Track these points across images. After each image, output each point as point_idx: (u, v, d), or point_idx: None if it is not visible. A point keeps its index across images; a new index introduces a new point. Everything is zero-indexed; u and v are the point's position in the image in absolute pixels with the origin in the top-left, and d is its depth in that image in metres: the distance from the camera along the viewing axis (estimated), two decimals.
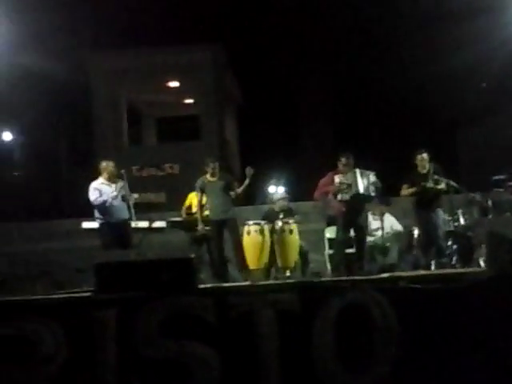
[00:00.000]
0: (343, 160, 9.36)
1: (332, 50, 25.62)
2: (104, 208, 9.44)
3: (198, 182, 10.00)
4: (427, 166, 9.92)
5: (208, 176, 10.00)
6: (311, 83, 26.66)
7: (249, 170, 9.91)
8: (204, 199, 9.96)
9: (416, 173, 9.99)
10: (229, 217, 9.86)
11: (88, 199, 9.57)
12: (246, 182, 9.88)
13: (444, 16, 19.21)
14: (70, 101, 22.40)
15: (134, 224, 9.55)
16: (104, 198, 9.42)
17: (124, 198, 9.55)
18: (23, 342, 4.55)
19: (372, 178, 9.30)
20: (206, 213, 10.19)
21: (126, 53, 23.15)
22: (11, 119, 21.72)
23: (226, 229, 9.86)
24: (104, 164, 9.75)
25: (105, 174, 9.65)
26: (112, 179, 9.65)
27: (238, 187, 10.01)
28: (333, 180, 9.25)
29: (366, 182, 9.24)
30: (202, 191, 9.96)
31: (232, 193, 9.86)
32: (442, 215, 10.00)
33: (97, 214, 9.53)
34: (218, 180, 9.97)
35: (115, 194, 9.45)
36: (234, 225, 9.92)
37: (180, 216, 10.76)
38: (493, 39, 16.73)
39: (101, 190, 9.52)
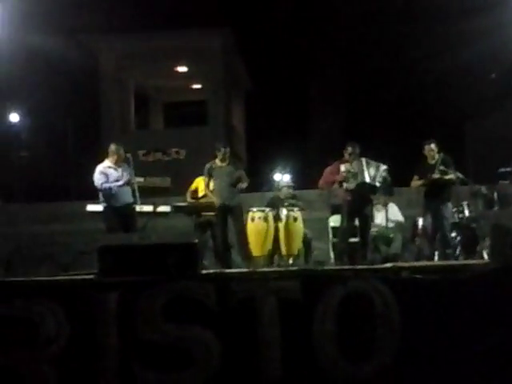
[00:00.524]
0: (349, 149, 9.35)
1: (344, 39, 25.52)
2: (109, 192, 9.42)
3: (207, 166, 9.90)
4: (436, 156, 9.89)
5: (217, 161, 9.90)
6: (322, 71, 26.58)
7: (240, 185, 9.80)
8: (211, 184, 9.91)
9: (425, 164, 9.96)
10: (234, 203, 9.76)
11: (93, 182, 9.56)
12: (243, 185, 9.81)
13: (455, 10, 19.13)
14: (78, 83, 22.40)
15: (138, 208, 9.54)
16: (109, 184, 9.40)
17: (129, 183, 9.53)
18: (26, 323, 4.56)
19: (383, 172, 9.28)
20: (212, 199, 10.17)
21: (136, 37, 23.14)
22: (19, 101, 21.73)
23: (230, 215, 9.77)
24: (113, 147, 9.67)
25: (112, 158, 9.60)
26: (119, 163, 9.62)
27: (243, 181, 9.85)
28: (338, 169, 9.24)
29: (372, 171, 9.22)
30: (210, 175, 9.86)
31: (239, 185, 9.73)
32: (450, 208, 9.97)
33: (101, 197, 9.52)
34: (226, 166, 9.85)
35: (121, 183, 9.43)
36: (239, 212, 9.83)
37: (185, 200, 10.74)
38: (503, 33, 16.66)
39: (107, 173, 9.48)
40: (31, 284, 4.85)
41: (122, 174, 9.53)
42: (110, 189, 9.38)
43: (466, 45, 18.89)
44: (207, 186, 9.93)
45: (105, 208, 9.49)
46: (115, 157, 9.60)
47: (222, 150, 9.87)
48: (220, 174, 9.80)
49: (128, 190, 9.51)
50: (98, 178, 9.45)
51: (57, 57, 19.54)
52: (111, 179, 9.45)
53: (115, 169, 9.55)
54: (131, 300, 4.55)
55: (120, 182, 9.43)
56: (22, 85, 19.12)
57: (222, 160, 9.86)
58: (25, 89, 19.92)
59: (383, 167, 9.33)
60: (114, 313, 4.55)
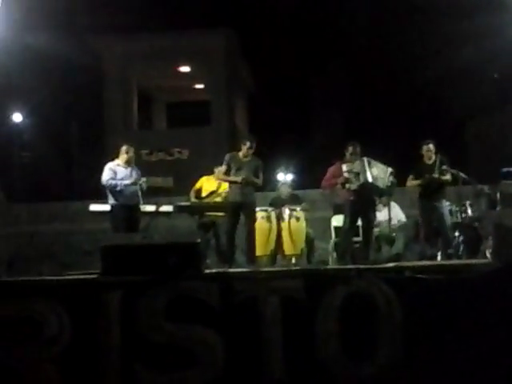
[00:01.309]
0: (350, 149, 9.33)
1: (346, 40, 25.55)
2: (114, 189, 9.46)
3: (228, 156, 9.48)
4: (433, 157, 9.90)
5: (240, 154, 9.45)
6: (324, 72, 26.61)
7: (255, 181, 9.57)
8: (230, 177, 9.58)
9: (422, 164, 9.97)
10: (248, 201, 9.35)
11: (98, 181, 9.60)
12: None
13: (458, 9, 19.11)
14: (81, 83, 22.42)
15: (141, 208, 9.56)
16: (115, 181, 9.44)
17: (137, 183, 9.56)
18: (29, 323, 4.57)
19: (390, 175, 9.29)
20: (218, 199, 10.11)
21: (139, 37, 23.15)
22: (21, 100, 21.75)
23: (243, 212, 9.32)
24: (125, 147, 9.75)
25: (123, 157, 9.68)
26: (129, 163, 9.69)
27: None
28: (341, 169, 9.23)
29: (374, 171, 9.21)
30: (229, 166, 9.36)
31: (256, 180, 9.36)
32: (446, 205, 9.98)
33: (110, 196, 9.54)
34: (248, 161, 9.36)
35: (127, 182, 9.46)
36: (252, 210, 9.47)
37: (188, 200, 10.72)
38: (503, 34, 16.64)
39: (115, 171, 9.55)
40: (33, 284, 4.86)
41: (131, 174, 9.58)
42: (116, 185, 9.42)
43: (469, 44, 18.88)
44: (225, 173, 9.39)
45: (112, 206, 9.50)
46: (125, 156, 9.67)
47: (248, 143, 9.41)
48: (240, 168, 9.35)
49: (135, 189, 9.52)
50: (105, 175, 9.51)
51: (60, 57, 19.55)
52: (119, 177, 9.50)
53: (125, 167, 9.61)
54: (134, 299, 4.55)
55: (126, 181, 9.46)
56: (24, 84, 19.13)
57: (245, 154, 9.41)
58: (27, 88, 19.93)
59: (389, 170, 9.32)
60: (116, 312, 4.55)
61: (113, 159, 9.80)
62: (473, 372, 4.43)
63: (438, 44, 22.24)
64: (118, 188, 9.43)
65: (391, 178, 9.36)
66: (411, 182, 9.93)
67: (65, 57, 19.72)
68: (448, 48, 21.63)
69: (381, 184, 9.27)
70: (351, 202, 9.22)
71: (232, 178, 9.33)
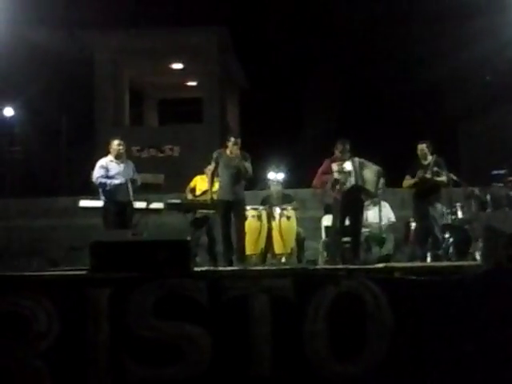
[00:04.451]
0: (339, 146, 9.32)
1: (339, 39, 25.53)
2: (104, 187, 9.41)
3: (215, 153, 9.44)
4: (429, 157, 9.91)
5: (227, 151, 9.39)
6: (316, 71, 26.57)
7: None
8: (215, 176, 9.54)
9: (417, 164, 9.98)
10: (238, 199, 9.34)
11: (88, 177, 9.57)
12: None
13: (449, 12, 19.16)
14: (72, 78, 22.31)
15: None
16: (105, 179, 9.39)
17: (132, 180, 9.54)
18: (17, 318, 4.55)
19: (381, 178, 9.31)
20: (209, 197, 10.10)
21: (131, 33, 23.06)
22: (12, 95, 21.64)
23: (232, 211, 9.30)
24: (116, 142, 9.68)
25: (114, 152, 9.63)
26: (121, 158, 9.64)
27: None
28: (330, 168, 9.22)
29: (365, 173, 9.21)
30: (217, 164, 9.35)
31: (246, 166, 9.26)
32: (439, 208, 10.00)
33: (101, 192, 9.50)
34: (235, 158, 9.30)
35: (118, 181, 9.41)
36: (242, 208, 9.44)
37: (179, 197, 10.71)
38: (496, 36, 16.70)
39: (108, 167, 9.50)
40: (22, 279, 4.84)
41: (125, 170, 9.54)
42: (106, 184, 9.38)
43: (461, 47, 18.92)
44: (213, 174, 9.45)
45: (105, 203, 9.46)
46: (116, 150, 9.62)
47: (232, 139, 9.38)
48: (227, 165, 9.32)
49: (127, 186, 9.47)
50: (96, 172, 9.46)
51: (52, 51, 19.48)
52: (112, 173, 9.46)
53: (117, 163, 9.56)
54: (123, 296, 4.54)
55: (117, 181, 9.42)
56: (15, 79, 19.02)
57: (232, 151, 9.34)
58: (19, 83, 19.82)
59: (379, 169, 9.31)
60: (105, 308, 4.54)
61: (106, 155, 9.75)
62: (460, 374, 4.44)
63: (429, 46, 22.27)
64: (108, 187, 9.38)
65: (382, 180, 9.37)
66: (406, 182, 9.95)
67: (57, 52, 19.65)
68: (440, 50, 21.68)
69: (370, 187, 9.27)
70: (340, 202, 9.22)
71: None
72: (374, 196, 9.81)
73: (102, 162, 9.58)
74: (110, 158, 9.63)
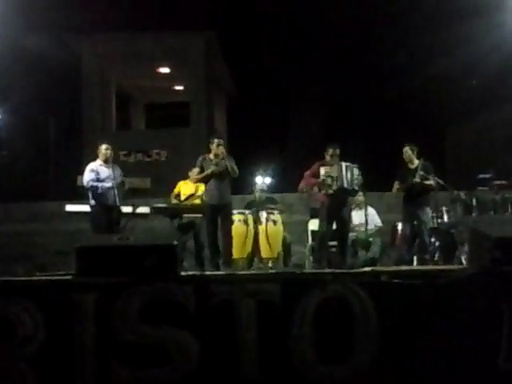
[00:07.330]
0: (330, 151, 9.37)
1: (325, 43, 25.60)
2: (95, 191, 9.41)
3: (200, 158, 9.39)
4: (415, 161, 9.97)
5: (211, 155, 9.37)
6: (303, 75, 26.62)
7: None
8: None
9: (405, 169, 10.03)
10: (225, 203, 9.34)
11: (74, 182, 9.56)
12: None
13: (437, 16, 19.26)
14: (59, 82, 22.25)
15: None
16: (96, 182, 9.39)
17: (120, 184, 9.54)
18: (2, 322, 4.53)
19: (355, 171, 9.33)
20: (197, 201, 10.09)
21: (118, 37, 23.05)
22: None
23: (219, 215, 9.29)
24: (104, 146, 9.70)
25: (102, 156, 9.65)
26: (109, 163, 9.65)
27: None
28: (318, 171, 9.25)
29: (349, 175, 9.26)
30: (202, 168, 9.30)
31: (232, 165, 9.23)
32: (428, 213, 10.03)
33: (90, 196, 9.48)
34: (220, 161, 9.26)
35: (109, 184, 9.40)
36: (229, 213, 9.45)
37: (167, 203, 10.71)
38: (485, 40, 16.78)
39: (98, 171, 9.52)
40: (8, 283, 4.82)
41: (113, 173, 9.54)
42: (97, 188, 9.38)
43: (448, 51, 19.01)
44: (200, 180, 9.43)
45: (93, 207, 9.45)
46: (104, 154, 9.64)
47: (216, 141, 9.30)
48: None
49: (114, 190, 9.45)
50: (87, 176, 9.47)
51: (39, 55, 19.42)
52: (102, 177, 9.47)
53: (107, 167, 9.58)
54: (109, 301, 4.53)
55: (108, 184, 9.41)
56: (2, 83, 18.94)
57: (216, 153, 9.28)
58: (5, 87, 19.74)
59: (355, 167, 9.35)
60: (91, 313, 4.52)
61: (94, 159, 9.76)
62: (448, 377, 4.45)
63: (417, 51, 22.35)
64: (99, 190, 9.39)
65: (360, 178, 9.39)
66: (394, 189, 10.00)
67: (43, 55, 19.58)
68: (427, 55, 21.77)
69: (355, 186, 9.34)
70: (326, 206, 9.26)
71: (203, 174, 9.29)
72: (353, 194, 9.79)
73: (91, 165, 9.60)
74: (99, 162, 9.65)
